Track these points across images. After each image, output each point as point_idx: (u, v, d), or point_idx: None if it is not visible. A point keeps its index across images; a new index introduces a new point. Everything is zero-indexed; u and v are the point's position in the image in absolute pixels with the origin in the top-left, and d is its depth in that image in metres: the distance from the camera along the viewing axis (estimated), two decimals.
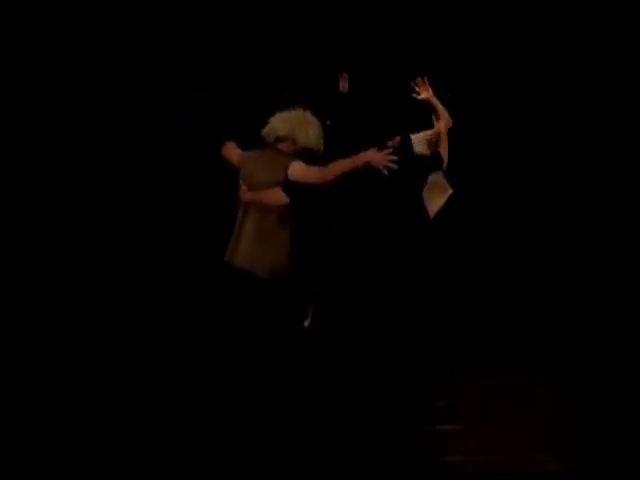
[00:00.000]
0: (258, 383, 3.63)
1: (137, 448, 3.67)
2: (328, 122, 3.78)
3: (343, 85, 5.06)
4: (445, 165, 4.69)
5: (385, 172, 3.44)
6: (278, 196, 3.45)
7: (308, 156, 3.65)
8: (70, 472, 3.51)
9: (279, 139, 3.66)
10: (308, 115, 3.74)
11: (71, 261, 5.16)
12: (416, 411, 4.16)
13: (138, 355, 4.44)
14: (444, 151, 4.44)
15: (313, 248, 3.67)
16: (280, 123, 3.67)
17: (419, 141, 4.85)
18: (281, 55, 6.00)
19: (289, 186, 3.42)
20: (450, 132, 4.75)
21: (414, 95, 4.65)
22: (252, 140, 3.94)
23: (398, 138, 4.42)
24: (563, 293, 5.50)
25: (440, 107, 4.66)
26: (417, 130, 4.88)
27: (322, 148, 3.73)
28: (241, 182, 3.65)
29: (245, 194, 3.55)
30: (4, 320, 4.80)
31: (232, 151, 3.86)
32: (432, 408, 4.20)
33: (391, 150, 3.52)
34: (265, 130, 3.72)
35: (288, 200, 3.43)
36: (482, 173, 5.73)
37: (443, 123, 4.67)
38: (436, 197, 4.95)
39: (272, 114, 3.86)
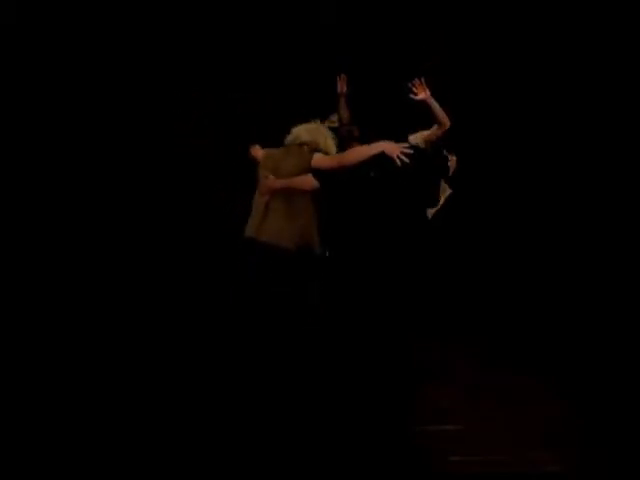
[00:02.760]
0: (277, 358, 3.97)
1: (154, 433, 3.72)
2: (372, 174, 4.08)
3: (341, 86, 5.07)
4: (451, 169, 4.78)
5: (398, 162, 3.75)
6: (310, 180, 3.92)
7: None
8: (70, 472, 3.51)
9: (302, 144, 4.14)
10: (324, 127, 4.29)
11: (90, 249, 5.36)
12: (415, 411, 4.17)
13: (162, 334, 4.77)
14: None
15: (335, 225, 4.12)
16: (304, 132, 4.17)
17: (416, 141, 4.87)
18: (281, 55, 6.01)
19: (317, 173, 3.89)
20: (448, 132, 4.76)
21: (411, 96, 4.66)
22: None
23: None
24: (563, 294, 5.50)
25: (437, 108, 4.67)
26: (414, 130, 4.89)
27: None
28: (263, 174, 4.10)
29: (276, 181, 3.99)
30: (17, 317, 4.83)
31: (258, 152, 4.32)
32: (432, 408, 4.20)
33: (407, 144, 3.84)
34: (289, 138, 4.21)
35: (318, 184, 3.90)
36: (481, 173, 5.74)
37: (442, 124, 4.70)
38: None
39: (289, 123, 4.33)
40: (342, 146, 4.85)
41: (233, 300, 4.37)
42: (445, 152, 4.82)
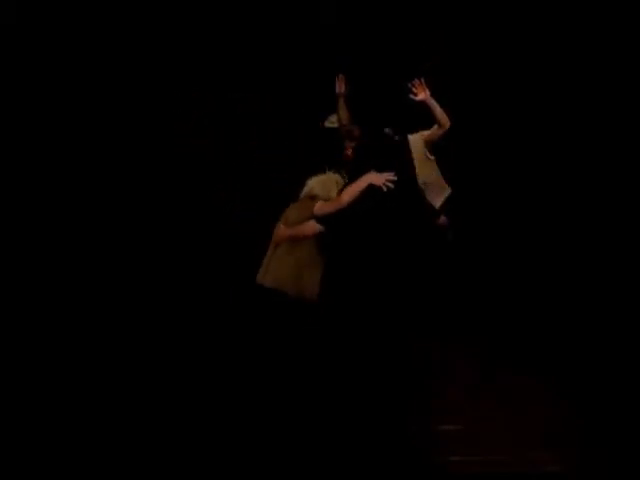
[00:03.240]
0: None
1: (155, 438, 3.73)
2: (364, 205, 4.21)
3: (340, 87, 5.08)
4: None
5: (384, 188, 3.96)
6: (312, 225, 4.14)
7: None
8: (71, 471, 3.51)
9: (313, 197, 4.28)
10: (336, 176, 4.40)
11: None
12: (415, 411, 4.17)
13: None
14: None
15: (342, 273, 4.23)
16: (316, 185, 4.32)
17: (416, 141, 4.87)
18: (281, 55, 6.01)
19: (320, 219, 4.11)
20: (449, 132, 4.77)
21: (411, 96, 4.66)
22: None
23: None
24: (564, 294, 5.50)
25: (437, 108, 4.67)
26: (415, 130, 4.90)
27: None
28: (278, 224, 4.30)
29: (284, 230, 4.21)
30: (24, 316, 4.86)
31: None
32: (432, 408, 4.20)
33: (390, 174, 3.98)
34: (304, 190, 4.36)
35: (322, 228, 4.11)
36: (481, 173, 5.74)
37: (442, 124, 4.72)
38: (435, 197, 4.97)
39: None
40: (342, 146, 4.85)
41: (235, 299, 4.40)
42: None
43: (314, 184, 4.35)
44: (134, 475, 3.54)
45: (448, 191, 5.02)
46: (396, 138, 4.59)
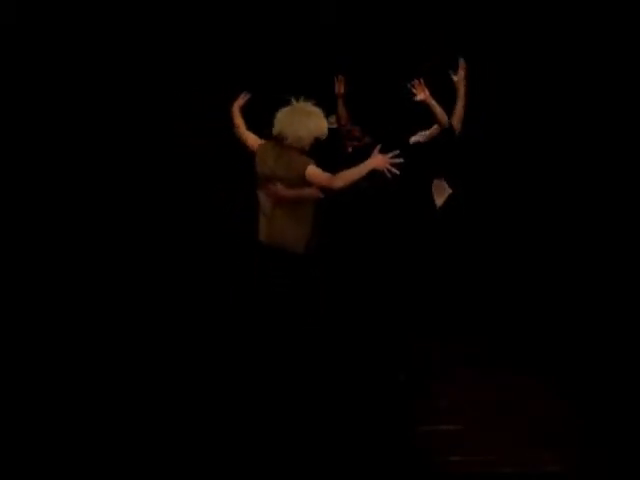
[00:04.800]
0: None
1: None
2: (364, 184, 4.12)
3: (339, 87, 5.08)
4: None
5: (389, 175, 3.74)
6: (315, 193, 3.95)
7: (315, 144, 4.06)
8: (70, 472, 3.51)
9: (278, 137, 3.97)
10: (299, 109, 3.99)
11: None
12: (415, 411, 4.17)
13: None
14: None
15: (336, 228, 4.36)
16: (276, 121, 3.98)
17: (417, 139, 4.89)
18: (281, 55, 6.01)
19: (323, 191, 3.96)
20: (449, 133, 4.77)
21: (411, 96, 4.67)
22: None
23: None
24: (563, 294, 5.50)
25: (437, 108, 4.68)
26: (413, 132, 4.91)
27: (322, 135, 4.04)
28: (262, 173, 4.04)
29: (286, 191, 3.95)
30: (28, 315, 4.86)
31: (249, 135, 4.23)
32: (432, 408, 4.20)
33: (394, 153, 3.76)
34: (276, 128, 4.00)
35: (322, 195, 3.97)
36: (481, 173, 5.73)
37: (442, 124, 4.73)
38: (436, 197, 4.98)
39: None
40: (342, 147, 4.86)
41: (235, 299, 4.38)
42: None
43: (275, 121, 3.95)
44: (134, 475, 3.54)
45: (448, 191, 5.03)
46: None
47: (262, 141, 4.13)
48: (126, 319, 5.04)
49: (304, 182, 3.91)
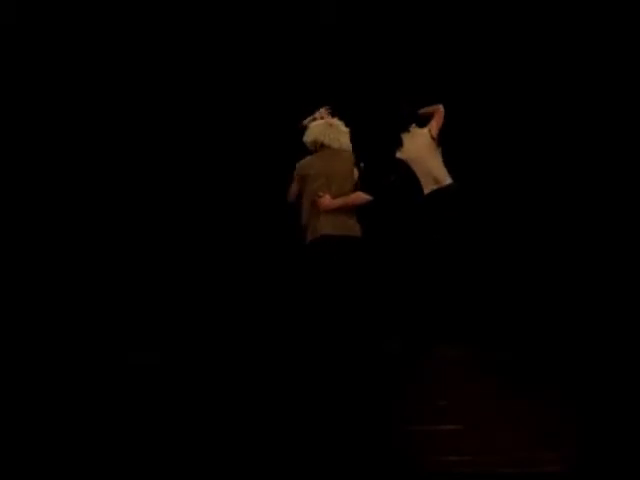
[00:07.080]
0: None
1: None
2: (362, 164, 4.48)
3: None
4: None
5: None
6: (363, 197, 4.33)
7: None
8: (70, 472, 3.51)
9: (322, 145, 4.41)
10: (336, 123, 4.49)
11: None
12: (415, 411, 4.17)
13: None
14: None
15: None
16: (320, 135, 4.43)
17: (423, 134, 4.94)
18: (281, 55, 6.01)
19: (364, 188, 4.34)
20: (447, 128, 4.82)
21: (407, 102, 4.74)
22: None
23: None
24: (564, 294, 5.50)
25: (432, 107, 4.78)
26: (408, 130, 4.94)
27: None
28: (311, 182, 4.36)
29: (332, 202, 4.29)
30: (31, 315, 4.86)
31: (293, 187, 4.54)
32: (432, 408, 4.20)
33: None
34: (309, 139, 4.44)
35: (371, 197, 4.34)
36: (481, 173, 5.74)
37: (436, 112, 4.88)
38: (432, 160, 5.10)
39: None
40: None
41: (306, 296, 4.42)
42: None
43: (317, 134, 4.37)
44: (134, 475, 3.54)
45: (449, 180, 5.12)
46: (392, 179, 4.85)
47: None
48: (126, 318, 5.04)
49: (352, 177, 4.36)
